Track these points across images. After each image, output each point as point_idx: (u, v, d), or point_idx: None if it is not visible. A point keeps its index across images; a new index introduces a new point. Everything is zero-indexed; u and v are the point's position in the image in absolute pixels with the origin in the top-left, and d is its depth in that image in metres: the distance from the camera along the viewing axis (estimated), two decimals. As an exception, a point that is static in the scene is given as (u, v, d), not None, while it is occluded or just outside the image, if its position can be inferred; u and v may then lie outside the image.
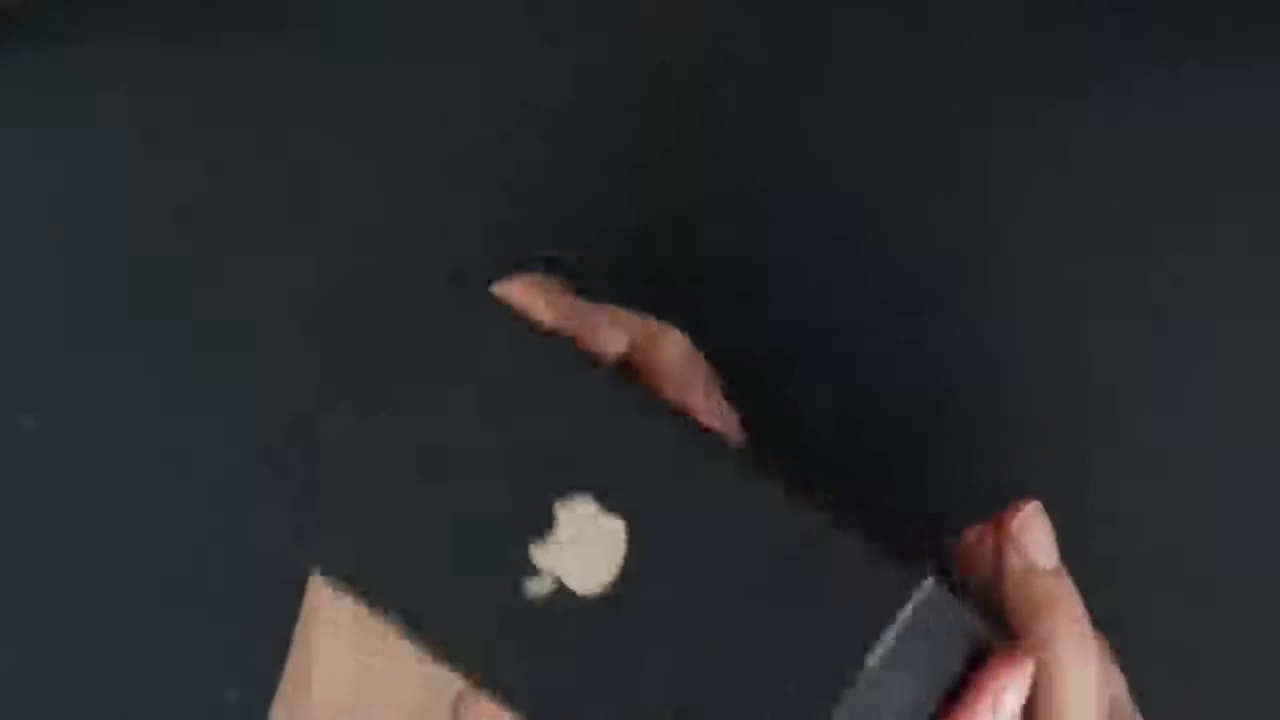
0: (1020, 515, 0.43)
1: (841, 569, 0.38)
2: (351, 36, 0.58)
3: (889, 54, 0.57)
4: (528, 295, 0.42)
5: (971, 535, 0.45)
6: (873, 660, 0.37)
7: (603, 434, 0.40)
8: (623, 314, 0.44)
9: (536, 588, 0.39)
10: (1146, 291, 0.57)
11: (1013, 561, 0.43)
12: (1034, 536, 0.43)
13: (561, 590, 0.39)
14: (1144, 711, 0.55)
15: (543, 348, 0.41)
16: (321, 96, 0.58)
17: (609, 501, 0.39)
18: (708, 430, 0.41)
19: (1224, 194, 0.57)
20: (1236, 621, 0.56)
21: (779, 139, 0.57)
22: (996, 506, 0.56)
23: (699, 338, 0.58)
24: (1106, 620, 0.56)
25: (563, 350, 0.41)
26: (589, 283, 0.57)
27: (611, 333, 0.43)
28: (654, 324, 0.44)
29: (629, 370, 0.44)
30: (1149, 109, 0.57)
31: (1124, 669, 0.56)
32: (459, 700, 0.41)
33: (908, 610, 0.38)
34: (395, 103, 0.58)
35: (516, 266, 0.58)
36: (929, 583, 0.38)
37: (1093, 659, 0.42)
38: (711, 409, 0.44)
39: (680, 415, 0.40)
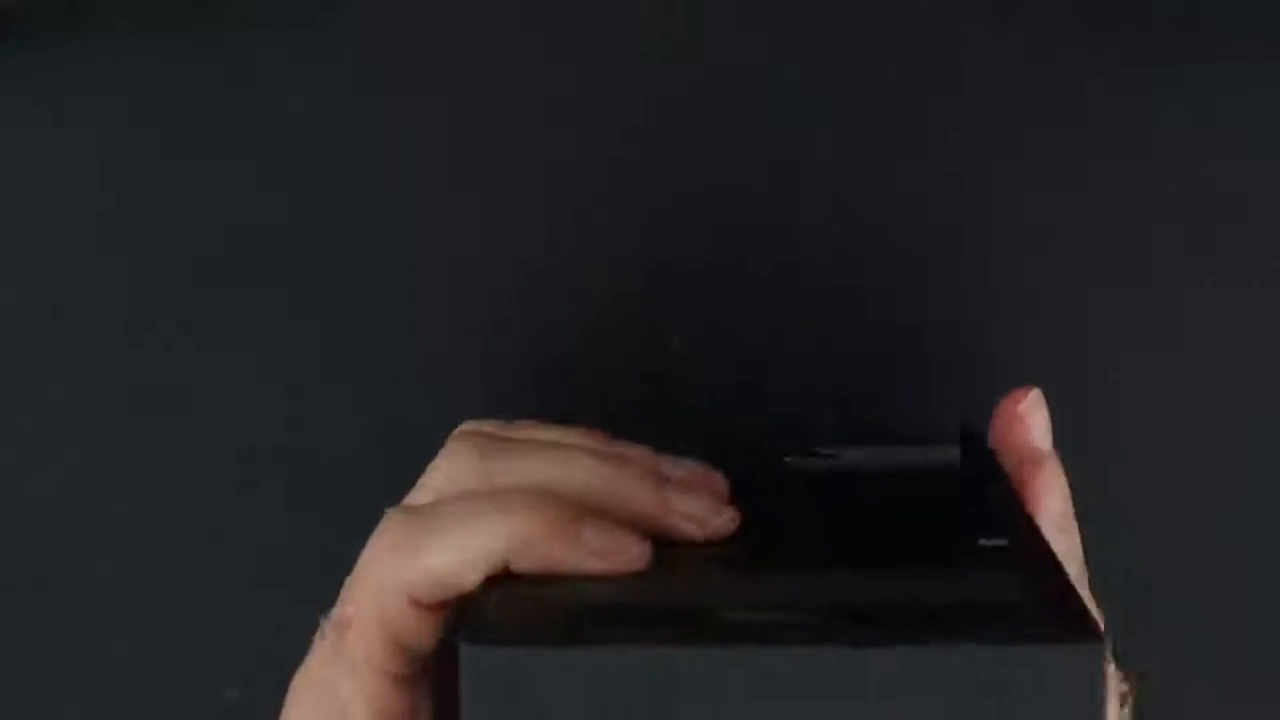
0: (1027, 400, 0.47)
1: (1026, 673, 0.35)
2: (351, 36, 0.58)
3: (889, 55, 0.57)
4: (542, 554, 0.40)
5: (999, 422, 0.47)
6: None
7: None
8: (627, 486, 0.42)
9: None
10: (1147, 291, 0.57)
11: (1018, 438, 0.46)
12: (1036, 419, 0.47)
13: None
14: (1142, 713, 0.55)
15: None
16: (321, 96, 0.58)
17: None
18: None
19: (1224, 194, 0.57)
20: (1237, 622, 0.56)
21: (779, 139, 0.57)
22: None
23: (700, 338, 0.58)
24: (1106, 622, 0.56)
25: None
26: (589, 284, 0.57)
27: (623, 544, 0.41)
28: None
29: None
30: (1149, 109, 0.57)
31: (1124, 669, 0.56)
32: None
33: (1109, 670, 0.36)
34: (395, 103, 0.58)
35: (517, 261, 0.58)
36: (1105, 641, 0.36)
37: (1076, 537, 0.46)
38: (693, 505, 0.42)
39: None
